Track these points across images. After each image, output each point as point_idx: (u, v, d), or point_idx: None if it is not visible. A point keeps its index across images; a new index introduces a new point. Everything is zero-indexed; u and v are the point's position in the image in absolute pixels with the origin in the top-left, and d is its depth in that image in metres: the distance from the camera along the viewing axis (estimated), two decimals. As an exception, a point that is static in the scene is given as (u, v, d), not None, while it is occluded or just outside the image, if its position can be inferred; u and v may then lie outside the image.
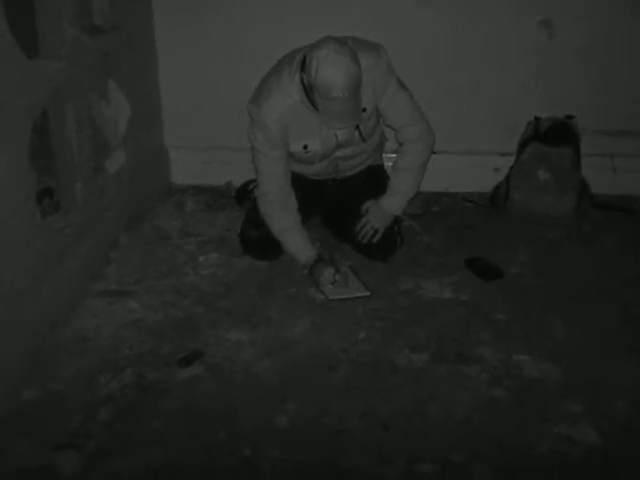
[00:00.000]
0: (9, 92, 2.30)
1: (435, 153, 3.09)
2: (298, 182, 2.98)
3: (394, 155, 3.08)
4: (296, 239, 2.95)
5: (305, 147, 2.88)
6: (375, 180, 3.15)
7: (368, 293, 2.85)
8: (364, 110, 2.77)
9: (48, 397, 2.35)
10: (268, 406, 2.32)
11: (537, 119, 3.45)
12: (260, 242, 3.03)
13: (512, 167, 3.47)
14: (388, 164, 3.15)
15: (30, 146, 2.44)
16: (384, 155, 3.27)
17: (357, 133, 2.89)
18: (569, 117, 3.45)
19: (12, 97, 2.31)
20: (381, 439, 2.21)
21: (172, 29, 3.51)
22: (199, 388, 2.40)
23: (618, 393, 2.37)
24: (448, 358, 2.52)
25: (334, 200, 3.17)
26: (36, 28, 2.64)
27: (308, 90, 2.67)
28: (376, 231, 3.03)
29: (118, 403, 2.33)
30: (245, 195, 3.39)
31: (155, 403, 2.34)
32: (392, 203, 3.04)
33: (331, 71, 2.54)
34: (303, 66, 2.66)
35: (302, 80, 2.69)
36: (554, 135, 3.39)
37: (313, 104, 2.70)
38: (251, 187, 3.25)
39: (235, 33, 3.49)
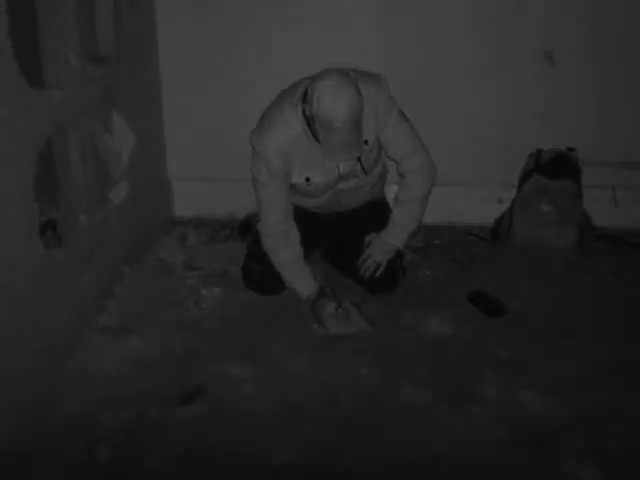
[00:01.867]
0: (14, 122, 2.30)
1: (436, 185, 3.08)
2: (300, 215, 2.98)
3: (396, 187, 3.08)
4: (298, 273, 2.95)
5: (307, 179, 2.88)
6: (377, 213, 3.15)
7: (370, 328, 2.84)
8: (366, 142, 2.78)
9: (47, 433, 2.34)
10: (269, 443, 2.31)
11: (538, 151, 3.47)
12: (262, 276, 3.03)
13: (514, 199, 3.48)
14: (390, 196, 3.15)
15: (34, 177, 2.45)
16: (386, 187, 3.27)
17: (359, 165, 2.89)
18: (570, 149, 3.46)
19: (17, 127, 2.32)
20: (382, 477, 2.19)
21: (176, 60, 3.54)
22: (200, 425, 2.38)
23: (622, 428, 2.36)
24: (451, 395, 2.50)
25: (336, 233, 3.17)
26: (41, 58, 2.66)
27: (310, 121, 2.68)
28: (378, 265, 3.03)
29: (117, 440, 2.31)
30: (248, 228, 3.39)
31: (155, 441, 2.32)
32: (394, 236, 3.03)
33: (333, 101, 2.55)
34: (305, 98, 2.67)
35: (304, 111, 2.69)
36: (555, 167, 3.41)
37: (315, 136, 2.70)
38: (254, 220, 3.24)
39: (238, 66, 3.52)
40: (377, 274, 3.03)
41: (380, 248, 3.03)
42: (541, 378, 2.58)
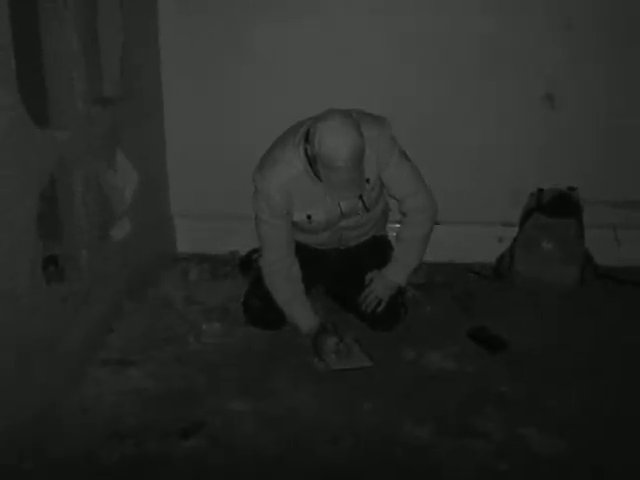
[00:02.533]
0: (18, 161, 2.33)
1: (438, 223, 3.10)
2: (302, 252, 2.99)
3: (398, 225, 3.10)
4: (299, 309, 2.94)
5: (309, 217, 2.90)
6: (379, 250, 3.16)
7: (371, 363, 2.83)
8: (368, 181, 2.80)
9: (48, 467, 2.32)
10: (268, 478, 2.29)
11: (540, 191, 3.48)
12: (263, 312, 3.03)
13: (515, 238, 3.49)
14: (392, 234, 3.17)
15: (37, 213, 2.47)
16: (388, 225, 3.29)
17: (360, 203, 2.91)
18: (571, 189, 3.47)
19: (21, 166, 2.34)
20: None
21: (180, 97, 3.58)
22: (200, 460, 2.36)
23: (622, 468, 2.33)
24: (452, 431, 2.48)
25: (338, 270, 3.17)
26: (47, 99, 2.69)
27: (312, 161, 2.70)
28: (380, 301, 3.03)
29: (117, 473, 2.29)
30: (249, 264, 3.40)
31: (155, 474, 2.30)
32: (396, 273, 3.04)
33: (335, 141, 2.58)
34: (307, 137, 2.70)
35: (306, 151, 2.72)
36: (556, 206, 3.42)
37: (317, 175, 2.72)
38: (255, 256, 3.26)
39: (242, 102, 3.56)
40: (378, 310, 3.03)
41: (382, 285, 3.04)
42: (542, 415, 2.56)
